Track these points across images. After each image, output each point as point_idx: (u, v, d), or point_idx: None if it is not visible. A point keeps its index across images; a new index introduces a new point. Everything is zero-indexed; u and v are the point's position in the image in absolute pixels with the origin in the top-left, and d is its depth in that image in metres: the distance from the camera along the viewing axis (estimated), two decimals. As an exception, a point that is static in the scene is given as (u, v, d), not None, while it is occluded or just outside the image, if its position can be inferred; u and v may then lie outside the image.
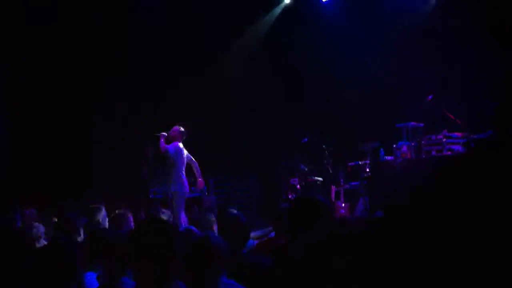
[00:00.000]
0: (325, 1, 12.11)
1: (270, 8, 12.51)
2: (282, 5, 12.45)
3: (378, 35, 11.53)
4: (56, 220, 5.75)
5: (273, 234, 5.48)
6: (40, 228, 5.59)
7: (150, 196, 10.05)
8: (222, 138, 11.66)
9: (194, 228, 4.87)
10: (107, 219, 5.35)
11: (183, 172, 8.46)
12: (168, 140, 8.42)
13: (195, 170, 8.66)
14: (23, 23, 9.63)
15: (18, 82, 9.90)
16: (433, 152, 8.87)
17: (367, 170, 9.70)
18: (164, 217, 5.86)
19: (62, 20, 10.04)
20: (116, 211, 5.25)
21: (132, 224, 5.31)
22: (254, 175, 12.37)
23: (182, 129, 8.49)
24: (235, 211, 4.41)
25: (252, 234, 6.68)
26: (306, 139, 10.61)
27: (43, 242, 5.32)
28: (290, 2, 12.34)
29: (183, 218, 8.17)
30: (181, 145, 8.45)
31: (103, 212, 5.25)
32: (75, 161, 10.40)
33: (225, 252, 3.08)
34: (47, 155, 10.09)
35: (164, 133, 8.38)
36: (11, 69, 9.70)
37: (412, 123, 9.51)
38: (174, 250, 2.53)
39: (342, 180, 10.19)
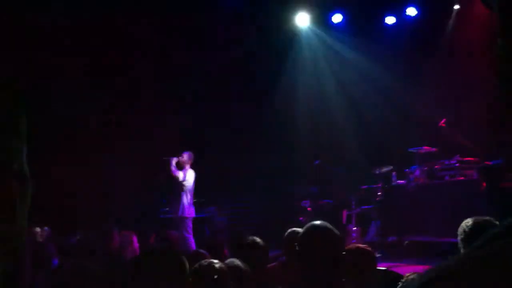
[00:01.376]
0: (337, 23, 12.13)
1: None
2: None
3: (391, 57, 11.53)
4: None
5: (283, 258, 5.42)
6: (51, 248, 5.56)
7: (160, 217, 10.02)
8: (234, 158, 11.64)
9: (203, 251, 4.83)
10: (118, 242, 5.33)
11: (191, 197, 8.56)
12: (179, 165, 8.50)
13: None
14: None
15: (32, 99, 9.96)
16: (447, 177, 8.80)
17: (379, 194, 9.62)
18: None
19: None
20: (120, 233, 5.25)
21: (137, 245, 5.32)
22: (265, 196, 12.31)
23: (191, 154, 8.60)
24: (253, 237, 4.39)
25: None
26: (318, 162, 10.56)
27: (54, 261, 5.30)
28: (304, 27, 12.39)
29: (192, 240, 8.18)
30: (191, 170, 8.55)
31: (115, 234, 5.24)
32: (88, 182, 10.41)
33: (232, 278, 3.05)
34: (59, 175, 10.09)
35: (175, 158, 8.47)
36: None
37: (425, 147, 9.45)
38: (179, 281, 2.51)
39: (353, 203, 10.09)
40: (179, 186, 8.47)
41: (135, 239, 5.75)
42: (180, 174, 8.44)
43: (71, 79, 10.04)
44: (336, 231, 2.65)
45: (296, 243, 2.91)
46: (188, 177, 8.52)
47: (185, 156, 8.62)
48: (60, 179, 9.95)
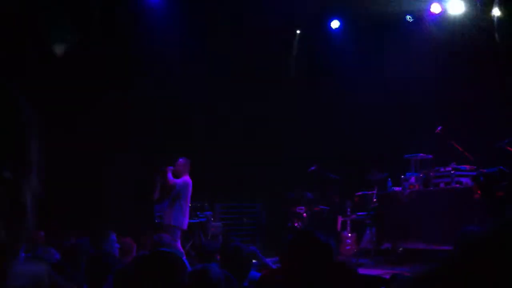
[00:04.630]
0: (335, 29, 12.17)
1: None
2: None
3: (387, 64, 11.54)
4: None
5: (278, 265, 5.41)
6: (55, 254, 5.50)
7: (156, 221, 9.98)
8: (230, 164, 11.64)
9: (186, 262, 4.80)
10: (117, 246, 5.31)
11: (187, 205, 8.43)
12: (175, 174, 8.35)
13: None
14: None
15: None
16: (442, 184, 8.79)
17: (375, 200, 9.61)
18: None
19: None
20: (121, 241, 5.23)
21: (135, 252, 5.28)
22: (261, 202, 12.32)
23: (187, 161, 8.45)
24: (237, 243, 4.38)
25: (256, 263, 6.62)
26: (313, 168, 10.57)
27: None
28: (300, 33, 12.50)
29: (180, 249, 8.04)
30: (188, 178, 8.42)
31: (112, 239, 5.22)
32: (86, 187, 10.38)
33: (224, 285, 3.04)
34: (57, 179, 10.06)
35: (171, 167, 8.32)
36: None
37: (421, 154, 9.46)
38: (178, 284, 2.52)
39: (349, 210, 10.10)
40: (175, 195, 8.34)
41: (134, 247, 5.70)
42: (177, 183, 8.29)
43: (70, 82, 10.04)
44: (323, 239, 2.65)
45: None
46: (187, 186, 8.39)
47: (181, 164, 8.45)
48: (55, 181, 9.92)
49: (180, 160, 8.39)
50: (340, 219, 10.14)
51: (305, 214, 10.42)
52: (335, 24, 12.18)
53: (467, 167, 8.77)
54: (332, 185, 10.55)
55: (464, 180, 8.62)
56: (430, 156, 9.43)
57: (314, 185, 10.90)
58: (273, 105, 12.09)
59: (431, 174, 8.97)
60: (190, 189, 8.42)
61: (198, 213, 10.56)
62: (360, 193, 10.15)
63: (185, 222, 8.43)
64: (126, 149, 10.71)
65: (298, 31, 12.74)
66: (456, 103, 10.36)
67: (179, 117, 11.43)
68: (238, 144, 11.81)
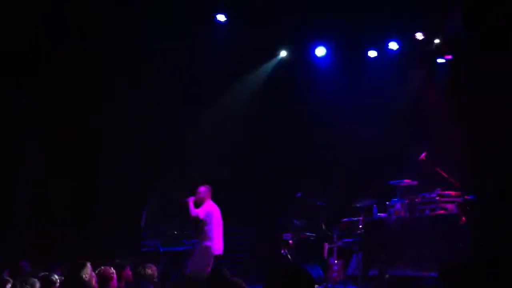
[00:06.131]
0: (320, 56, 12.22)
1: (265, 60, 12.62)
2: (278, 58, 12.56)
3: (372, 90, 11.66)
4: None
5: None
6: (36, 284, 5.42)
7: (142, 250, 9.89)
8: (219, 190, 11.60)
9: None
10: (93, 277, 5.25)
11: (217, 229, 8.30)
12: (197, 202, 8.28)
13: None
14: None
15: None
16: (427, 211, 8.82)
17: (361, 227, 9.61)
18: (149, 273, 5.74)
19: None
20: (102, 268, 5.18)
21: (115, 283, 5.24)
22: (249, 229, 12.21)
23: (208, 187, 8.37)
24: (222, 272, 4.37)
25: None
26: (299, 194, 10.58)
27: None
28: (286, 56, 12.45)
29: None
30: (212, 203, 8.32)
31: (89, 269, 5.16)
32: (74, 213, 10.26)
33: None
34: (45, 206, 9.94)
35: (192, 197, 8.26)
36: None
37: (406, 180, 9.50)
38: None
39: (335, 236, 10.08)
40: (201, 224, 8.23)
41: (115, 276, 5.64)
42: (199, 214, 8.19)
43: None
44: (307, 272, 2.64)
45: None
46: (210, 213, 8.25)
47: (202, 192, 8.35)
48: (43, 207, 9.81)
49: (201, 188, 8.37)
50: (326, 246, 10.12)
51: (291, 241, 10.37)
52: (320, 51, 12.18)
53: (452, 193, 8.82)
54: (319, 212, 10.53)
55: (449, 206, 8.66)
56: (415, 182, 9.48)
57: (300, 211, 10.87)
58: (259, 132, 12.13)
59: (417, 200, 9.01)
60: (216, 213, 8.33)
61: (184, 240, 10.46)
62: (346, 219, 10.14)
63: (218, 247, 8.30)
64: (120, 171, 10.62)
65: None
66: (438, 129, 10.45)
67: (169, 146, 11.42)
68: (225, 170, 11.77)
